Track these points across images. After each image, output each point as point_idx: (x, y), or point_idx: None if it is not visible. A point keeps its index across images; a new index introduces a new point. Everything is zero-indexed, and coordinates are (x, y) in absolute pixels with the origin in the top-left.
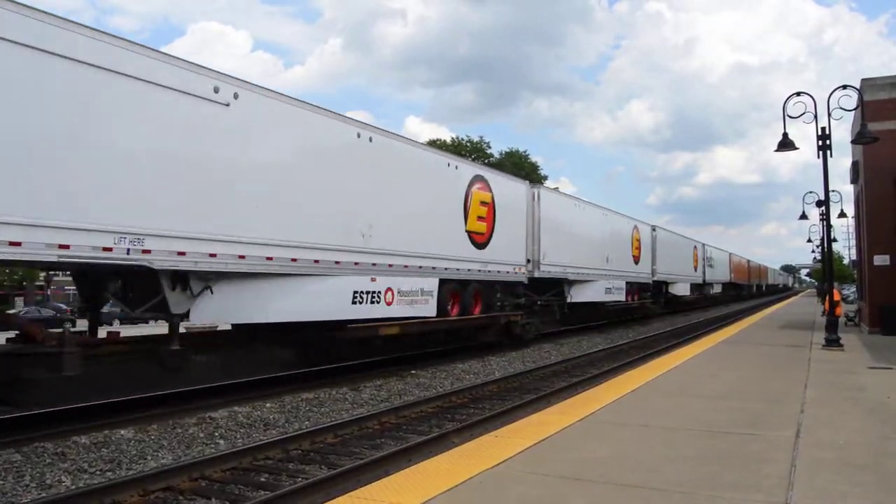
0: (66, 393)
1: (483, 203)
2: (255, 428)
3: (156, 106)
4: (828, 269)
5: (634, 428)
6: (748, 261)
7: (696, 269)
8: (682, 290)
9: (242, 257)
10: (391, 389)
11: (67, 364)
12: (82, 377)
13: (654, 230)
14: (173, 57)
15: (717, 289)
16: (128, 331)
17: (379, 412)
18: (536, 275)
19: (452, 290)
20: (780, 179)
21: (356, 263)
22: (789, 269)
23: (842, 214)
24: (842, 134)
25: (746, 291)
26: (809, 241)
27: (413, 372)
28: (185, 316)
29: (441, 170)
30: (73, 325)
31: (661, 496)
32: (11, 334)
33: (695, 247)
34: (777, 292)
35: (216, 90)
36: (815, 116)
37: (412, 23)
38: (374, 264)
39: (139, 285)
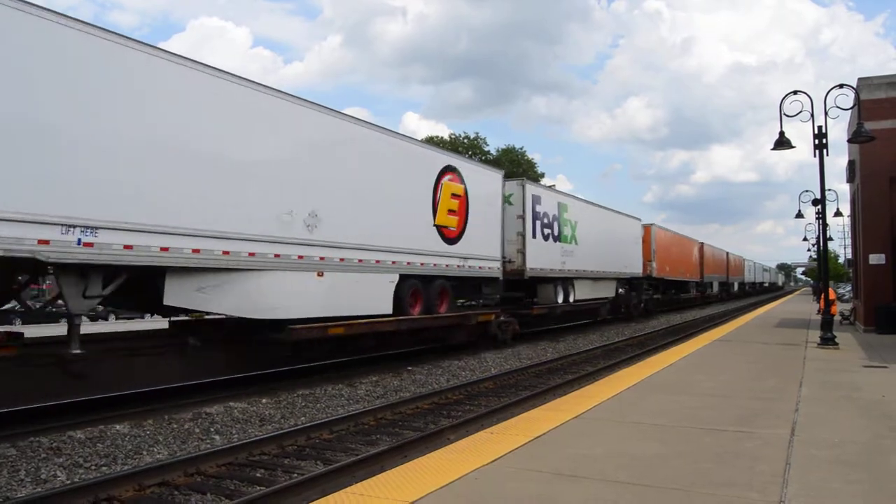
0: None
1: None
2: (250, 423)
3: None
4: (823, 268)
5: (629, 425)
6: (701, 244)
7: (450, 240)
8: (291, 305)
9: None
10: (387, 386)
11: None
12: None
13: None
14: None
15: (590, 291)
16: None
17: (374, 408)
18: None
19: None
20: (777, 178)
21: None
22: (785, 268)
23: (838, 213)
24: (838, 133)
25: (698, 292)
26: (805, 239)
27: (409, 368)
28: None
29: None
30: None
31: (656, 493)
32: None
33: (446, 170)
34: (763, 292)
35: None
36: (812, 115)
37: (411, 20)
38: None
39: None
